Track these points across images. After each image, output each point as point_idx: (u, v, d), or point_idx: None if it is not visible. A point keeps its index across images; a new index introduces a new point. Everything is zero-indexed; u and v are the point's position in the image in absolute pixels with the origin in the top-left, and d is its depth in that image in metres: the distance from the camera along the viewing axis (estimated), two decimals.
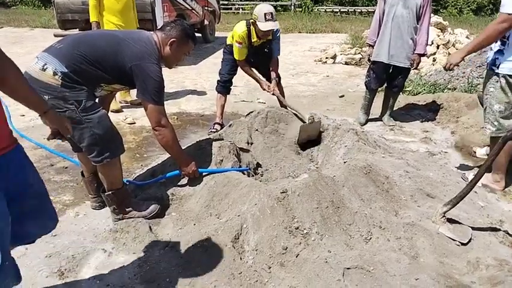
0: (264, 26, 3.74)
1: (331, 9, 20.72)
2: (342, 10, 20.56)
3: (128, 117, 4.58)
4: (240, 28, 3.92)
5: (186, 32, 2.47)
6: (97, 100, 2.30)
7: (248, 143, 3.25)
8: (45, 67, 2.11)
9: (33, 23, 14.97)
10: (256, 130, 3.35)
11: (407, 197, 2.52)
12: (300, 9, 20.62)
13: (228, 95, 4.38)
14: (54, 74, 2.11)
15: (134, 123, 4.47)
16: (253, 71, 4.25)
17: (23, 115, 4.47)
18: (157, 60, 2.33)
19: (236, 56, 4.04)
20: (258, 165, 3.15)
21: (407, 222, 2.28)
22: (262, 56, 4.13)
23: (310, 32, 14.24)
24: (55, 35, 7.78)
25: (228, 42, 4.18)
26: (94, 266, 2.12)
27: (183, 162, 2.57)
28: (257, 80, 4.24)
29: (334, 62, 8.32)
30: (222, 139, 3.06)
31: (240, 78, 6.88)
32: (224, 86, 4.28)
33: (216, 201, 2.44)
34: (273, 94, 4.14)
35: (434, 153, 3.63)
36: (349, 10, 20.51)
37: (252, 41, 3.95)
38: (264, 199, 2.25)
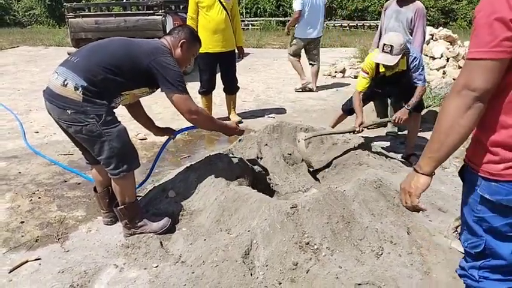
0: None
1: (339, 24, 20.84)
2: (350, 24, 20.66)
3: (140, 133, 4.64)
4: (372, 55, 3.43)
5: (193, 34, 2.62)
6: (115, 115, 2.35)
7: (258, 158, 3.26)
8: (65, 83, 2.17)
9: (47, 41, 15.33)
10: (266, 145, 3.37)
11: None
12: None
13: None
14: (76, 89, 2.16)
15: (146, 138, 4.52)
16: (361, 109, 3.51)
17: (37, 132, 4.54)
18: (170, 55, 2.39)
19: (357, 86, 3.56)
20: (268, 178, 3.16)
21: (419, 237, 2.26)
22: (397, 87, 3.56)
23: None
24: (69, 54, 7.96)
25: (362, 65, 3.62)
26: (106, 282, 2.13)
27: (227, 132, 2.81)
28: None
29: (343, 76, 8.33)
30: (232, 154, 3.09)
31: (250, 93, 6.98)
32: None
33: (226, 217, 2.45)
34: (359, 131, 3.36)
35: (445, 167, 3.60)
36: (358, 24, 20.60)
37: (380, 71, 3.42)
38: (273, 214, 2.25)
